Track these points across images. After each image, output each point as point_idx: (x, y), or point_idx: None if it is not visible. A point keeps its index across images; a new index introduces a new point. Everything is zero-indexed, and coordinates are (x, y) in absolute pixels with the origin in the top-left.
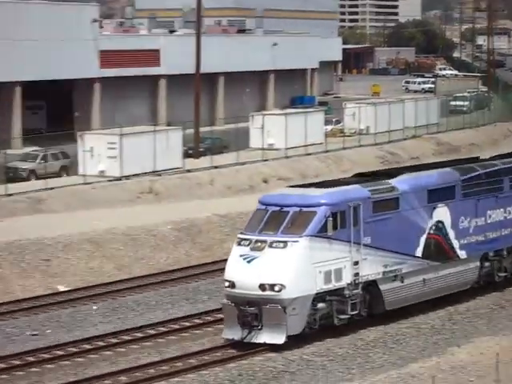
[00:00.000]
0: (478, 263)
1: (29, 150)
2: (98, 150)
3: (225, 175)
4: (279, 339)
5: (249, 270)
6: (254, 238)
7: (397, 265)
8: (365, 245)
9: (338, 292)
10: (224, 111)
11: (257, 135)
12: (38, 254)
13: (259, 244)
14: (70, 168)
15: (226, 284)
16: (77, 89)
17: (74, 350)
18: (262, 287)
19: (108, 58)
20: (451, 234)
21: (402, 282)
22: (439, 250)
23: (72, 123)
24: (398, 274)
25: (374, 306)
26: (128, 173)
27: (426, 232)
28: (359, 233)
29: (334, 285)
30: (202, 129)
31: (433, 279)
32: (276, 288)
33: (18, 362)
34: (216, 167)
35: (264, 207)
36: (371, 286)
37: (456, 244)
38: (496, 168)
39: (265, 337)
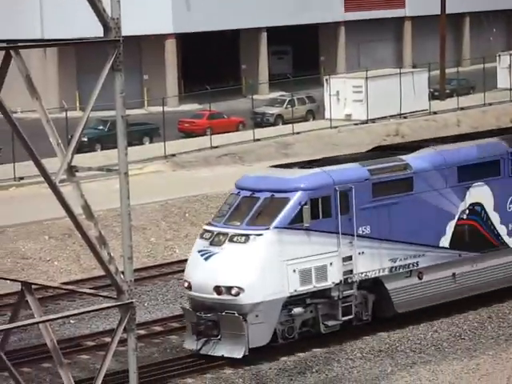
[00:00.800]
0: None
1: (275, 95)
2: (343, 94)
3: (471, 116)
4: (238, 353)
5: (205, 269)
6: (217, 229)
7: (411, 258)
8: (361, 236)
9: (322, 294)
10: (470, 52)
11: (504, 75)
12: None
13: (220, 237)
14: (316, 112)
15: (185, 285)
16: (322, 33)
17: None
18: (218, 290)
19: (352, 1)
20: (495, 218)
21: (421, 278)
22: (477, 239)
23: (317, 67)
24: (414, 268)
25: (382, 308)
26: (374, 116)
27: (456, 217)
28: (351, 222)
29: (314, 285)
30: (447, 70)
31: (467, 273)
32: (233, 291)
33: None
34: (462, 109)
35: (237, 191)
36: (376, 285)
37: (503, 230)
38: None
39: (223, 349)
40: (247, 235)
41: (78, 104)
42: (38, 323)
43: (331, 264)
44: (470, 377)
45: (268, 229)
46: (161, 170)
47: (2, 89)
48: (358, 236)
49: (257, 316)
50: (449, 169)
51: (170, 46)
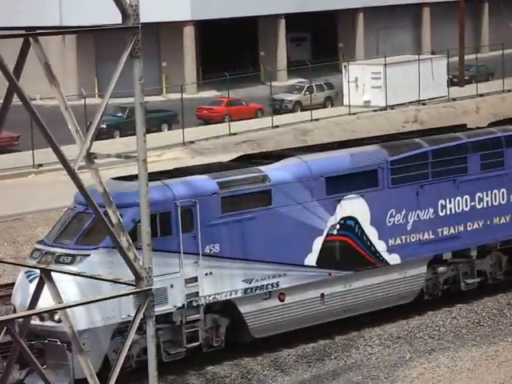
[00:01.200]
0: (425, 269)
1: (294, 81)
2: (362, 80)
3: (490, 103)
4: None
5: (28, 292)
6: (46, 248)
7: (270, 278)
8: (208, 255)
9: (163, 319)
10: (489, 38)
11: None
12: None
13: (48, 257)
14: (334, 99)
15: (12, 308)
16: (340, 20)
17: None
18: (40, 316)
19: None
20: (372, 233)
21: (282, 300)
22: (349, 256)
23: (336, 54)
24: (274, 289)
25: (237, 333)
26: (392, 102)
27: (325, 233)
28: (196, 240)
29: None
30: (466, 56)
31: (339, 294)
32: (55, 317)
33: None
34: (481, 95)
35: (73, 206)
36: (229, 308)
37: (381, 246)
38: (457, 143)
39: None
40: (73, 255)
41: (96, 91)
42: (56, 310)
43: (172, 286)
44: (489, 363)
45: (96, 248)
46: (179, 156)
47: (20, 76)
48: (205, 255)
49: (83, 344)
50: (315, 180)
51: (189, 33)
